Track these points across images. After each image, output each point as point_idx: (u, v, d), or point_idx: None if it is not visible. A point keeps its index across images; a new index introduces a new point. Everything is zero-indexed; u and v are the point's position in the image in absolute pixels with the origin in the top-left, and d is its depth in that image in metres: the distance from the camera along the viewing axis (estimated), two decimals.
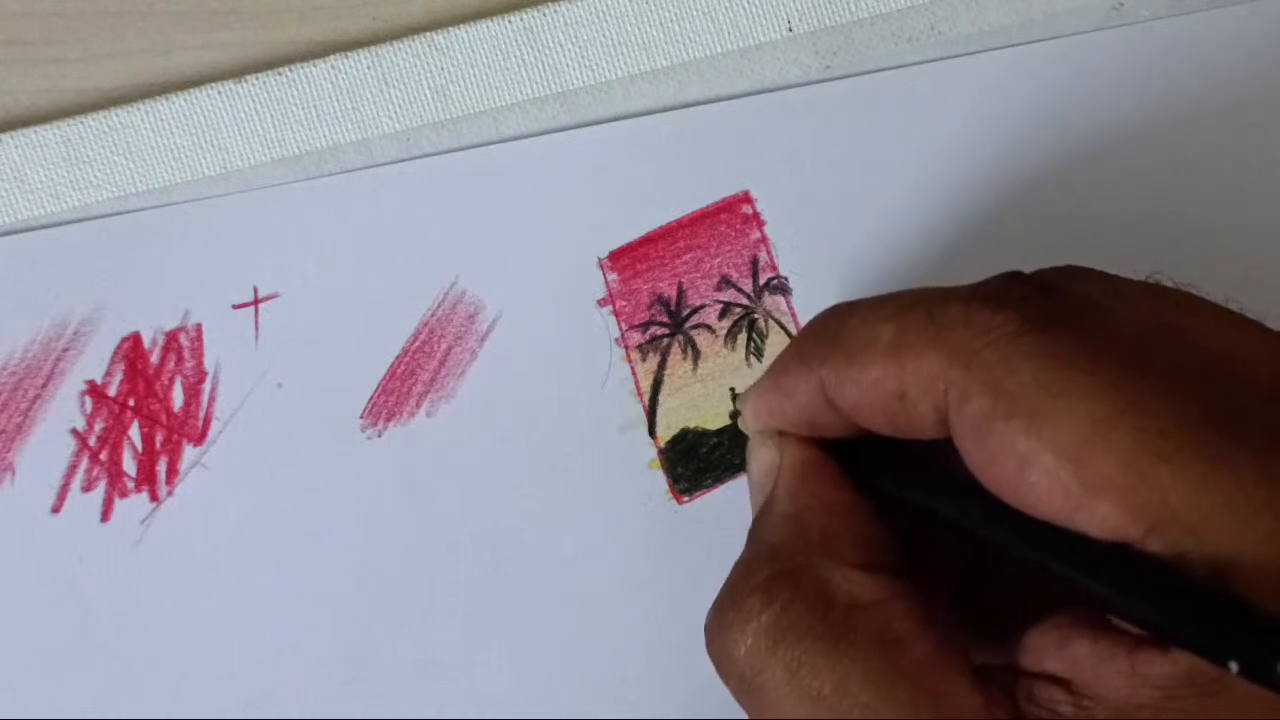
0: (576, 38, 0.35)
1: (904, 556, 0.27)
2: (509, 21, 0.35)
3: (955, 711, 0.24)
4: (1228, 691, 0.22)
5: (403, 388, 0.35)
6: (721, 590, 0.27)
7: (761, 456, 0.29)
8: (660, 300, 0.36)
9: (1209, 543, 0.22)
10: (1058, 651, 0.24)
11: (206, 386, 0.35)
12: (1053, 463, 0.23)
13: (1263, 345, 0.25)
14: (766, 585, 0.26)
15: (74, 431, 0.35)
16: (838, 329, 0.27)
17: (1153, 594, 0.22)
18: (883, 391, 0.26)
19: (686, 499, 0.35)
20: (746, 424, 0.29)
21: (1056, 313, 0.25)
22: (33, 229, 0.35)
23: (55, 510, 0.35)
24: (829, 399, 0.27)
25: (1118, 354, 0.24)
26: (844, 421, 0.27)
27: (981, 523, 0.25)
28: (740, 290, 0.36)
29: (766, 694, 0.25)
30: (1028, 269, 0.27)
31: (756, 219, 0.36)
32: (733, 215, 0.36)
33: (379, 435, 0.35)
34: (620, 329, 0.36)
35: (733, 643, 0.26)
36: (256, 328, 0.35)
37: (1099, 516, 0.23)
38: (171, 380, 0.35)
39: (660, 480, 0.35)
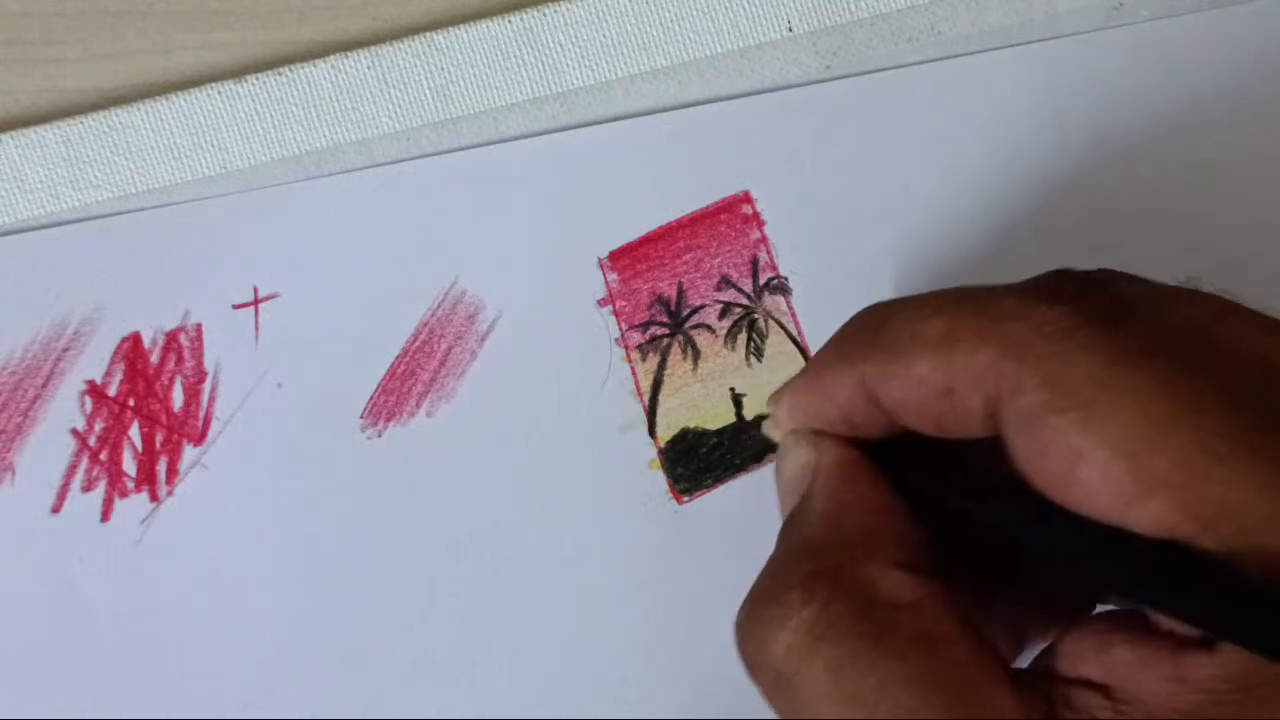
0: (576, 38, 0.35)
1: (938, 558, 0.27)
2: (509, 21, 0.35)
3: (993, 714, 0.24)
4: (1275, 695, 0.22)
5: (403, 388, 0.35)
6: (755, 586, 0.26)
7: (796, 456, 0.28)
8: (660, 300, 0.36)
9: (1264, 542, 0.22)
10: (1095, 656, 0.24)
11: (206, 386, 0.35)
12: (1107, 458, 0.23)
13: None
14: (806, 582, 0.25)
15: (74, 431, 0.35)
16: (880, 325, 0.27)
17: (1207, 590, 0.22)
18: (930, 387, 0.25)
19: (686, 499, 0.35)
20: (779, 423, 0.29)
21: (1111, 309, 0.24)
22: (33, 229, 0.35)
23: (55, 510, 0.35)
24: (871, 396, 0.27)
25: (1171, 353, 0.23)
26: (884, 420, 0.27)
27: (1022, 523, 0.25)
28: (740, 290, 0.36)
29: (803, 692, 0.25)
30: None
31: (756, 219, 0.36)
32: (733, 215, 0.36)
33: (379, 435, 0.35)
34: (620, 329, 0.36)
35: (771, 639, 0.25)
36: (256, 328, 0.35)
37: (1152, 513, 0.22)
38: (171, 380, 0.35)
39: (660, 480, 0.35)
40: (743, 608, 0.26)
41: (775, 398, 0.29)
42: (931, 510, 0.27)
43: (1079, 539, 0.24)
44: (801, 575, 0.26)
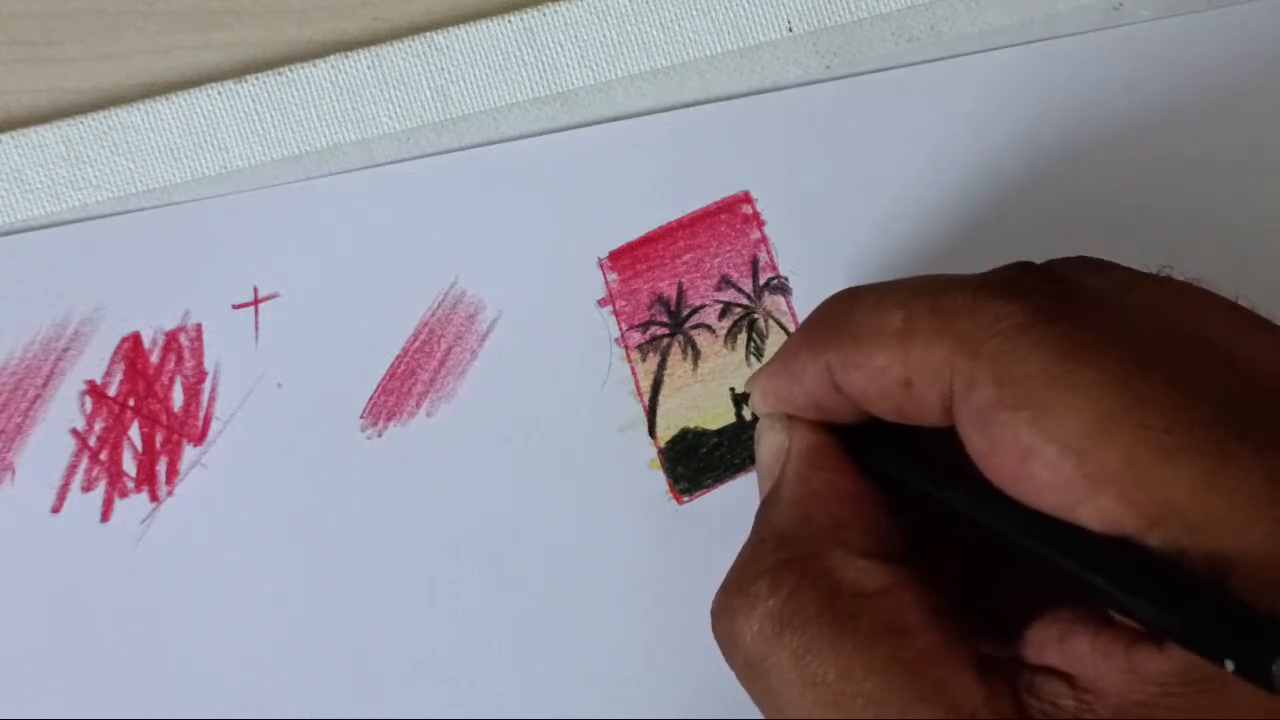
0: (576, 38, 0.35)
1: (911, 544, 0.27)
2: (509, 21, 0.35)
3: (957, 702, 0.24)
4: (1224, 690, 0.22)
5: (403, 388, 0.35)
6: (728, 574, 0.27)
7: (770, 440, 0.29)
8: (660, 300, 0.36)
9: (1210, 540, 0.22)
10: (1058, 645, 0.24)
11: (206, 386, 0.35)
12: (1055, 455, 0.23)
13: (1269, 344, 0.25)
14: (773, 571, 0.26)
15: (74, 431, 0.35)
16: (846, 314, 0.27)
17: (1151, 589, 0.22)
18: (889, 378, 0.26)
19: (686, 499, 0.35)
20: (755, 407, 0.29)
21: (1065, 304, 0.25)
22: (33, 229, 0.35)
23: (55, 510, 0.35)
24: (836, 384, 0.27)
25: (1125, 348, 0.24)
26: (850, 406, 0.27)
27: (984, 513, 0.25)
28: (740, 290, 0.36)
29: (771, 679, 0.25)
30: None
31: (756, 219, 0.36)
32: (733, 215, 0.36)
33: (379, 435, 0.35)
34: (620, 329, 0.36)
35: (739, 627, 0.26)
36: (256, 328, 0.35)
37: (1099, 510, 0.23)
38: (171, 380, 0.35)
39: (660, 480, 0.35)
40: (716, 595, 0.27)
41: (751, 380, 0.30)
42: (906, 496, 0.27)
43: (1033, 533, 0.24)
44: (770, 564, 0.26)
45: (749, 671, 0.26)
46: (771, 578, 0.26)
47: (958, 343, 0.25)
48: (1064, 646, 0.24)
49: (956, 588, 0.27)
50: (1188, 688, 0.23)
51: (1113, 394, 0.23)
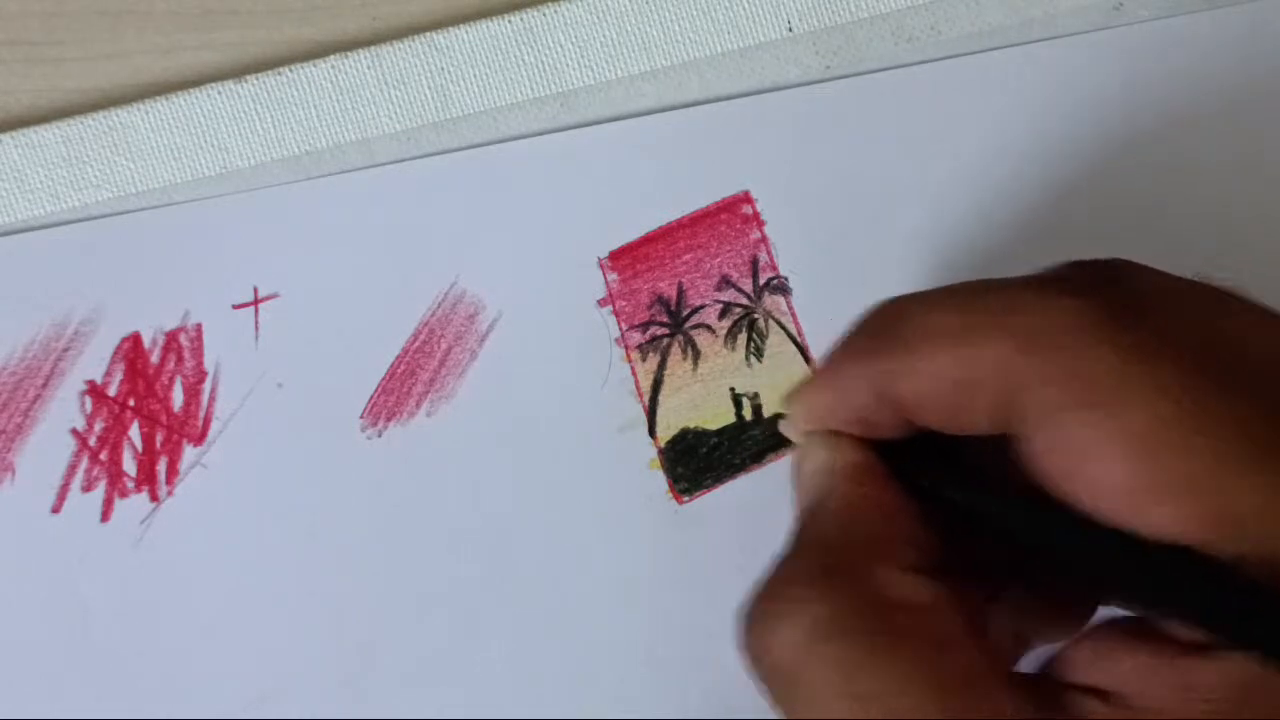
0: (576, 38, 0.35)
1: (949, 562, 0.27)
2: (509, 21, 0.35)
3: (997, 718, 0.24)
4: (1275, 700, 0.22)
5: (403, 388, 0.35)
6: (764, 580, 0.26)
7: (815, 456, 0.28)
8: (660, 300, 0.36)
9: (1269, 547, 0.22)
10: (1102, 663, 0.24)
11: (206, 386, 0.35)
12: (1119, 456, 0.23)
13: None
14: (818, 580, 0.25)
15: (74, 431, 0.35)
16: (894, 321, 0.27)
17: (1212, 595, 0.22)
18: (944, 380, 0.25)
19: (686, 499, 0.35)
20: (795, 425, 0.29)
21: (1124, 303, 0.24)
22: (33, 229, 0.35)
23: (55, 510, 0.35)
24: (884, 395, 0.26)
25: (1182, 351, 0.23)
26: (895, 420, 0.27)
27: (1030, 525, 0.25)
28: (740, 290, 0.36)
29: (804, 689, 0.24)
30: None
31: (756, 219, 0.36)
32: (733, 215, 0.36)
33: (379, 435, 0.35)
34: (620, 329, 0.36)
35: (772, 632, 0.25)
36: (256, 328, 0.35)
37: (1158, 516, 0.22)
38: (171, 380, 0.35)
39: (660, 480, 0.35)
40: (749, 600, 0.26)
41: (792, 398, 0.29)
42: (939, 512, 0.27)
43: (1087, 542, 0.24)
44: (812, 573, 0.25)
45: (779, 679, 0.25)
46: (814, 586, 0.25)
47: (1021, 339, 0.24)
48: (1107, 664, 0.24)
49: (987, 604, 0.27)
50: (1238, 700, 0.22)
51: (1173, 398, 0.23)
